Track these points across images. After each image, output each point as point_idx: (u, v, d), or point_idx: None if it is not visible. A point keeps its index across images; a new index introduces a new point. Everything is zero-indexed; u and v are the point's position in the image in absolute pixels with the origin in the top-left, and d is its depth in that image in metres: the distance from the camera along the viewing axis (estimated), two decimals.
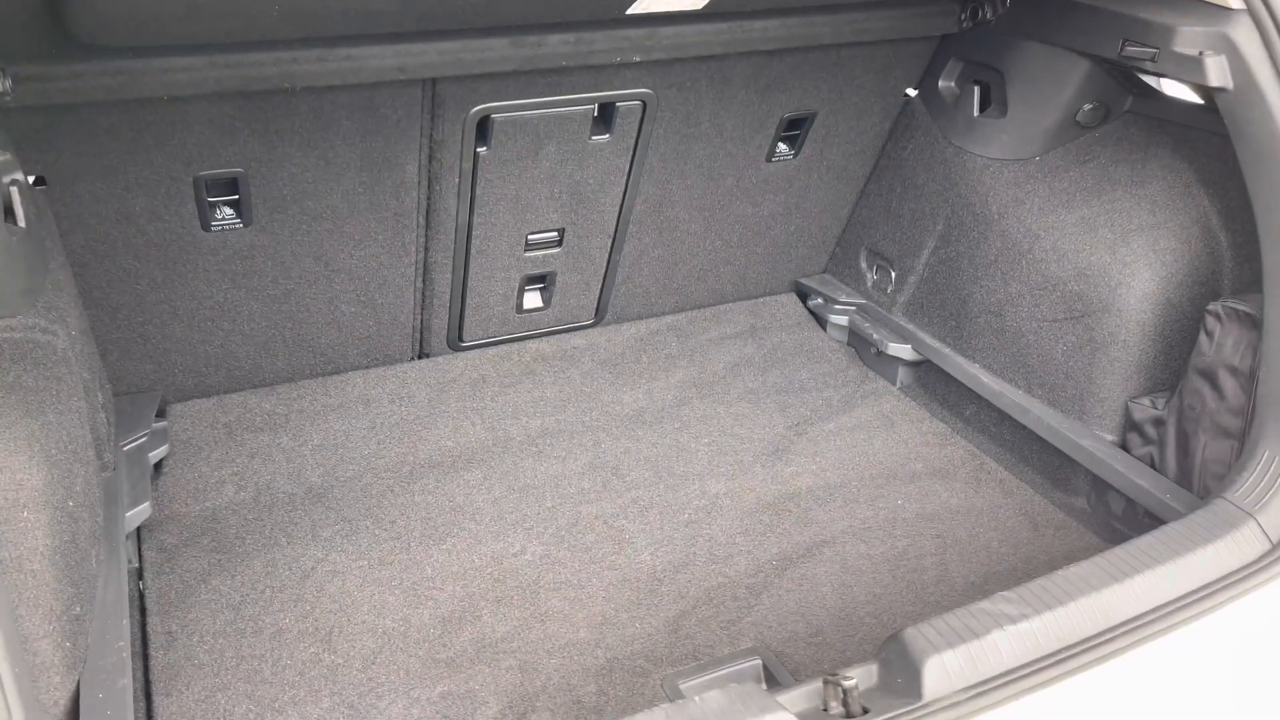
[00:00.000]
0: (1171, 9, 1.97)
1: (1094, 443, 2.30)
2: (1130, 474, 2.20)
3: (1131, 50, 2.03)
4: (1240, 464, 1.93)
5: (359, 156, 2.16)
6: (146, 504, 2.10)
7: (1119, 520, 2.31)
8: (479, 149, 2.27)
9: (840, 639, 2.00)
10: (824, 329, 3.07)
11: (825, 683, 1.51)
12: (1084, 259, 2.30)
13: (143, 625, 1.98)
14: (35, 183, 1.94)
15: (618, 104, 2.32)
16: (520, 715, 1.81)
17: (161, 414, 2.45)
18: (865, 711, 1.48)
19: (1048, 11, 2.28)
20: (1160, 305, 2.22)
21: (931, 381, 2.80)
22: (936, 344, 2.70)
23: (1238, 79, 1.84)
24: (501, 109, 2.20)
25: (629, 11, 1.94)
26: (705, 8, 2.01)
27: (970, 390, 2.63)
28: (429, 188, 2.31)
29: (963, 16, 2.44)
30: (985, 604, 1.63)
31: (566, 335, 2.88)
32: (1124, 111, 2.37)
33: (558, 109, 2.26)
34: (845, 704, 1.48)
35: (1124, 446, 2.31)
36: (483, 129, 2.25)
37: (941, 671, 1.49)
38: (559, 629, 2.00)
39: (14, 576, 1.53)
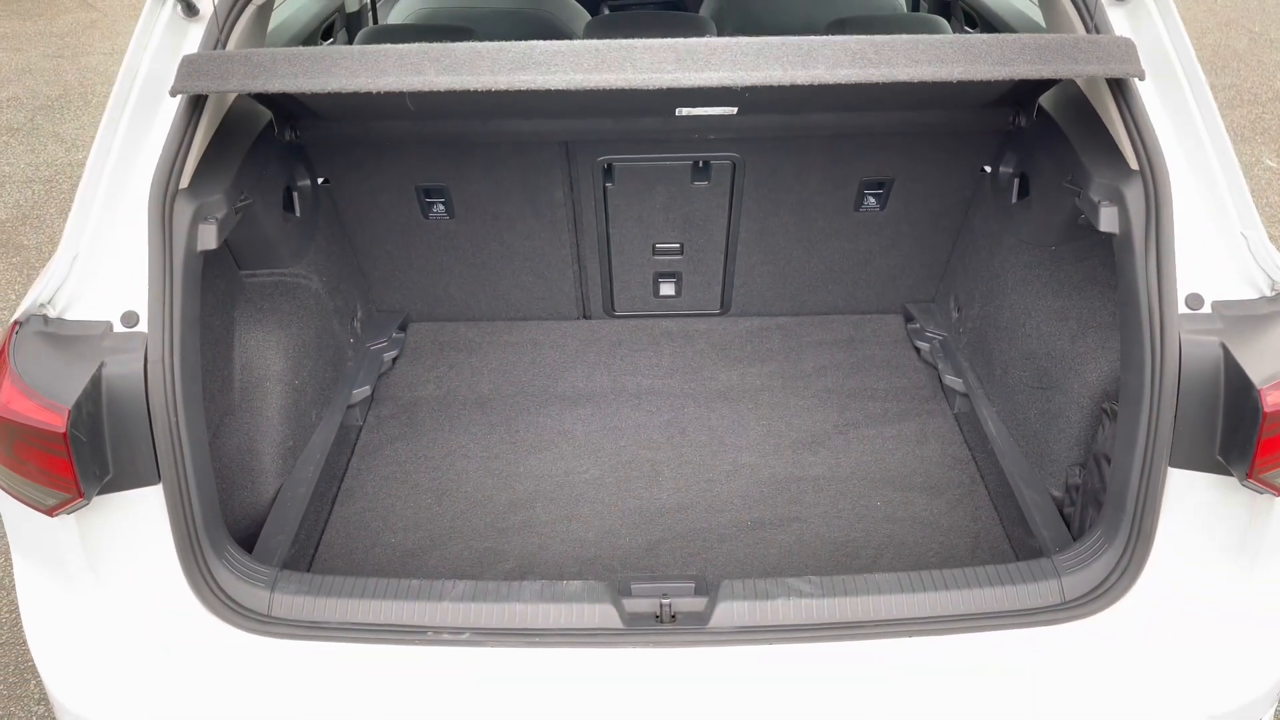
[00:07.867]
0: (1103, 158, 2.32)
1: (1038, 495, 2.75)
2: (1041, 525, 2.65)
3: (1067, 185, 2.42)
4: (1083, 537, 2.37)
5: (520, 184, 3.13)
6: (367, 387, 3.30)
7: None
8: (607, 184, 3.14)
9: None
10: (917, 351, 3.60)
11: (663, 596, 2.31)
12: (1051, 343, 2.71)
13: (348, 461, 3.20)
14: (323, 181, 3.13)
15: (711, 161, 3.07)
16: (521, 574, 2.79)
17: (404, 328, 3.67)
18: (673, 619, 2.26)
19: (1050, 131, 2.65)
20: (1098, 395, 2.60)
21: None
22: (976, 384, 3.18)
23: (1122, 228, 2.21)
24: (620, 159, 3.05)
25: (677, 113, 2.69)
26: (740, 112, 2.69)
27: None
28: (573, 207, 3.23)
29: (1010, 119, 2.85)
30: (795, 580, 2.31)
31: (694, 320, 3.70)
32: None
33: (662, 161, 3.06)
34: (660, 614, 2.28)
35: (1060, 506, 2.74)
36: (609, 171, 3.11)
37: (728, 613, 2.22)
38: (576, 529, 2.93)
39: (256, 419, 2.76)
